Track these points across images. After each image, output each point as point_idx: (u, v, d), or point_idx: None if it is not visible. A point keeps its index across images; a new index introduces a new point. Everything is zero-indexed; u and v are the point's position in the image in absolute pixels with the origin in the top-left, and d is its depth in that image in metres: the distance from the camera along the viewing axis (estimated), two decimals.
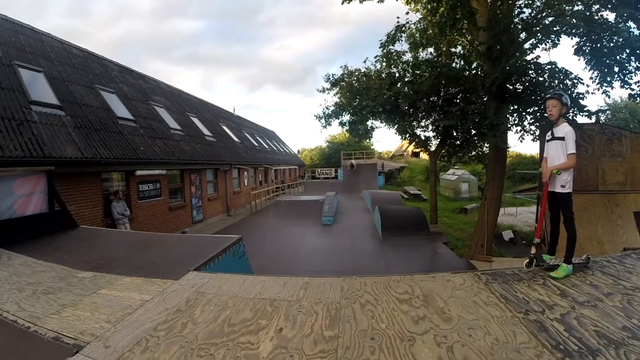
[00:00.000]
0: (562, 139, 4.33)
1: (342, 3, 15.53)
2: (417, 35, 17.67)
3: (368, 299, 3.81)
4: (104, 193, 13.29)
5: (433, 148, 19.81)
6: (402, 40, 17.71)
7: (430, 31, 16.69)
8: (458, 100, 15.22)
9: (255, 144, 37.21)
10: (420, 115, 16.98)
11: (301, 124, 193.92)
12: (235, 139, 30.80)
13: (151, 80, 24.57)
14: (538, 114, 13.75)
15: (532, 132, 14.55)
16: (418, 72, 16.28)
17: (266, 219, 21.21)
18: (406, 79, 16.78)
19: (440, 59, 17.81)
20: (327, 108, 19.54)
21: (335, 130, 75.85)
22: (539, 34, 13.85)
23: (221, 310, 3.72)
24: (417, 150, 21.51)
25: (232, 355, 2.90)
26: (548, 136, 4.62)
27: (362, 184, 34.99)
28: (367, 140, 44.51)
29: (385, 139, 74.14)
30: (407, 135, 18.77)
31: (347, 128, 19.82)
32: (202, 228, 19.28)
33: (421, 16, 17.21)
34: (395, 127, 18.16)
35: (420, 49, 17.96)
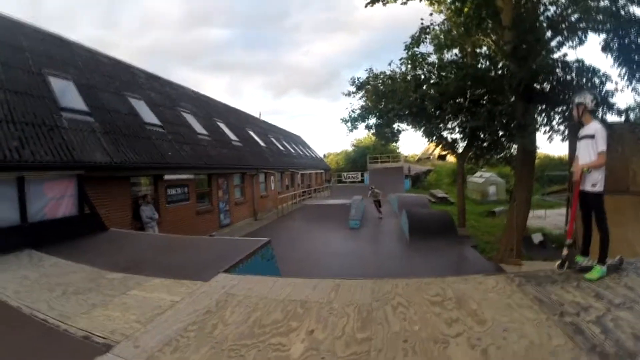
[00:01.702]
0: (592, 137, 4.23)
1: (366, 6, 15.48)
2: (442, 36, 17.46)
3: (400, 301, 3.76)
4: (133, 197, 13.39)
5: (460, 150, 19.56)
6: (426, 42, 17.52)
7: (455, 32, 16.49)
8: (485, 102, 14.98)
9: (282, 148, 37.35)
10: (446, 117, 16.77)
11: (327, 128, 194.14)
12: (262, 143, 30.88)
13: (178, 86, 24.77)
14: (566, 114, 13.47)
15: (560, 132, 14.24)
16: (443, 73, 16.08)
17: (293, 222, 21.21)
18: (432, 81, 16.59)
19: (465, 59, 17.58)
20: (353, 111, 19.46)
21: (361, 134, 75.47)
22: (565, 32, 13.60)
23: (251, 311, 3.71)
24: (444, 153, 21.32)
25: (263, 356, 2.88)
26: (578, 135, 4.53)
27: (389, 188, 34.63)
28: (393, 144, 44.21)
29: (412, 142, 73.81)
30: (434, 137, 18.56)
31: (374, 131, 19.72)
32: (229, 232, 19.32)
33: (445, 17, 17.03)
34: (422, 129, 17.98)
35: (445, 51, 17.74)
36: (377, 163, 48.62)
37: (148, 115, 16.67)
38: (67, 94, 12.84)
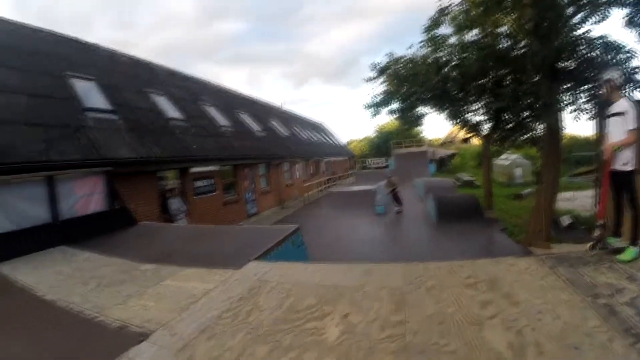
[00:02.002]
0: (622, 114, 4.13)
1: None
2: (461, 17, 17.12)
3: (432, 284, 3.76)
4: (160, 191, 13.60)
5: (485, 132, 19.28)
6: (446, 24, 17.21)
7: (474, 12, 16.14)
8: (508, 82, 14.73)
9: (305, 137, 37.43)
10: (470, 99, 16.54)
11: (349, 115, 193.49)
12: (285, 132, 30.94)
13: (198, 80, 25.07)
14: (592, 91, 13.16)
15: (587, 110, 13.92)
16: (465, 54, 15.82)
17: (319, 210, 21.25)
18: (453, 63, 16.37)
19: (486, 39, 17.27)
20: (375, 97, 19.31)
21: (384, 119, 74.99)
22: (586, 7, 13.25)
23: (285, 297, 3.74)
24: (469, 135, 21.02)
25: (300, 341, 2.91)
26: (607, 113, 4.43)
27: (414, 173, 34.36)
28: (417, 128, 43.75)
29: (435, 126, 73.12)
30: (458, 120, 18.34)
31: (397, 116, 19.57)
32: (257, 221, 19.47)
33: None
34: (445, 112, 17.79)
35: (465, 31, 17.42)
36: (401, 148, 48.22)
37: (170, 110, 16.92)
38: (90, 94, 13.15)
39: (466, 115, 18.06)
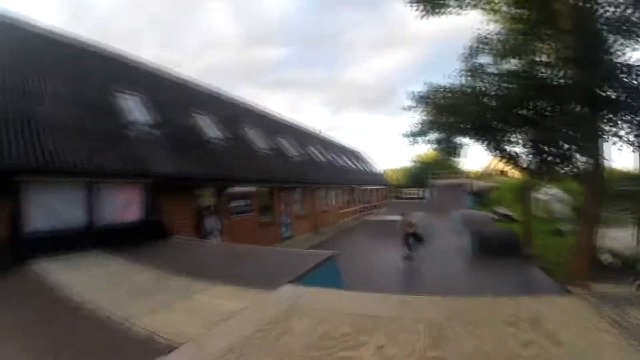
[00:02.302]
0: None
1: (421, 18, 15.13)
2: (499, 46, 16.84)
3: (472, 320, 3.62)
4: (197, 207, 13.67)
5: (524, 165, 18.86)
6: (484, 52, 16.96)
7: (513, 41, 15.86)
8: (548, 112, 14.43)
9: (342, 164, 37.42)
10: (509, 130, 16.26)
11: (386, 144, 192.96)
12: (322, 158, 30.96)
13: (240, 103, 25.37)
14: (635, 121, 12.70)
15: (630, 142, 13.40)
16: (504, 84, 15.58)
17: (354, 237, 21.12)
18: (492, 93, 16.14)
19: (526, 69, 16.91)
20: (414, 126, 19.16)
21: (422, 149, 74.45)
22: (626, 33, 12.86)
23: (318, 323, 3.65)
24: (509, 167, 20.59)
25: None
26: None
27: (450, 205, 33.95)
28: (455, 159, 43.21)
29: (473, 158, 72.51)
30: (497, 151, 18.01)
31: (435, 146, 19.36)
32: (291, 245, 19.35)
33: (501, 26, 16.40)
34: (484, 144, 17.51)
35: (504, 61, 17.11)
36: (438, 179, 47.82)
37: (212, 130, 17.12)
38: (135, 109, 13.48)
39: (505, 147, 17.73)
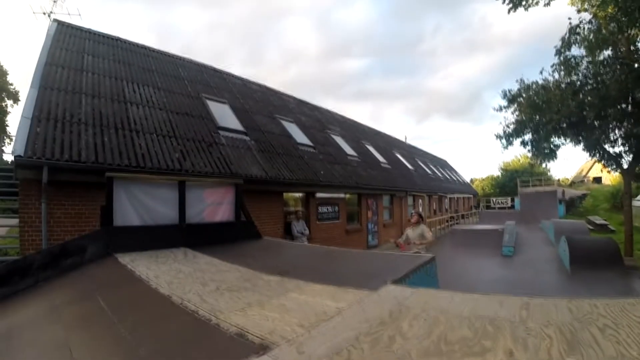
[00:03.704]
0: None
1: (509, 12, 14.33)
2: (591, 36, 15.56)
3: (606, 323, 3.04)
4: (285, 212, 13.96)
5: (626, 165, 17.31)
6: (577, 44, 15.78)
7: (605, 30, 14.59)
8: None
9: (429, 172, 36.92)
10: (609, 126, 15.07)
11: (472, 153, 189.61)
12: (409, 166, 30.64)
13: (325, 111, 25.96)
14: None
15: None
16: (600, 77, 14.46)
17: (443, 247, 20.36)
18: (588, 87, 15.04)
19: (622, 58, 15.55)
20: (507, 127, 18.34)
21: (509, 156, 72.17)
22: None
23: (432, 326, 3.17)
24: (608, 170, 19.11)
25: None
26: None
27: (541, 214, 32.16)
28: (544, 166, 41.22)
29: (563, 166, 69.59)
30: (595, 151, 16.73)
31: (529, 148, 18.38)
32: None
33: (592, 14, 15.18)
34: (582, 143, 16.38)
35: (597, 52, 15.82)
36: (528, 187, 46.03)
37: (299, 136, 17.57)
38: (224, 115, 14.20)
39: (605, 146, 16.45)
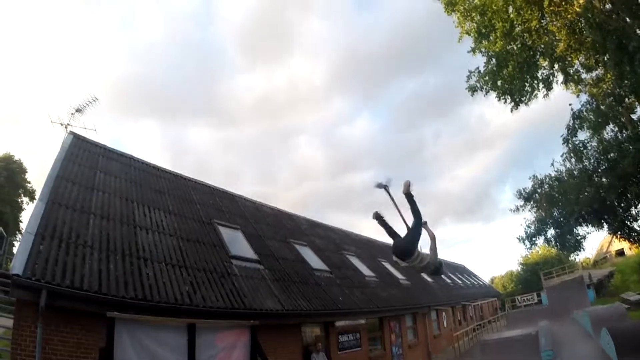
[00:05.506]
0: None
1: (512, 111, 14.58)
2: (591, 116, 15.61)
3: None
4: (304, 344, 13.13)
5: None
6: (582, 128, 15.85)
7: (603, 106, 14.72)
8: None
9: (449, 281, 36.07)
10: (632, 203, 14.83)
11: (487, 251, 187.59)
12: (428, 279, 29.82)
13: (339, 230, 25.83)
14: None
15: None
16: (611, 155, 14.42)
17: None
18: (602, 168, 14.98)
19: (627, 131, 15.52)
20: (527, 227, 18.14)
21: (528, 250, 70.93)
22: None
23: None
24: (635, 245, 18.56)
25: None
26: None
27: (572, 304, 30.55)
28: (564, 253, 40.23)
29: (582, 247, 67.61)
30: (623, 231, 16.31)
31: (554, 243, 18.06)
32: None
33: (588, 94, 15.38)
34: (607, 225, 16.05)
35: (601, 130, 15.81)
36: (552, 278, 45.05)
37: (315, 261, 17.06)
38: (236, 242, 13.78)
39: (632, 224, 16.12)
